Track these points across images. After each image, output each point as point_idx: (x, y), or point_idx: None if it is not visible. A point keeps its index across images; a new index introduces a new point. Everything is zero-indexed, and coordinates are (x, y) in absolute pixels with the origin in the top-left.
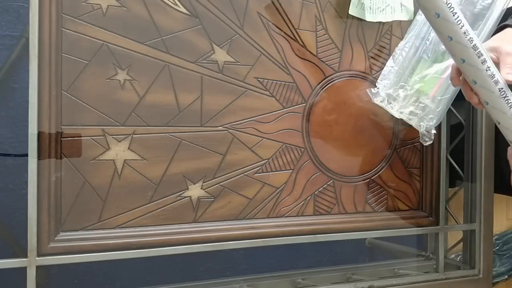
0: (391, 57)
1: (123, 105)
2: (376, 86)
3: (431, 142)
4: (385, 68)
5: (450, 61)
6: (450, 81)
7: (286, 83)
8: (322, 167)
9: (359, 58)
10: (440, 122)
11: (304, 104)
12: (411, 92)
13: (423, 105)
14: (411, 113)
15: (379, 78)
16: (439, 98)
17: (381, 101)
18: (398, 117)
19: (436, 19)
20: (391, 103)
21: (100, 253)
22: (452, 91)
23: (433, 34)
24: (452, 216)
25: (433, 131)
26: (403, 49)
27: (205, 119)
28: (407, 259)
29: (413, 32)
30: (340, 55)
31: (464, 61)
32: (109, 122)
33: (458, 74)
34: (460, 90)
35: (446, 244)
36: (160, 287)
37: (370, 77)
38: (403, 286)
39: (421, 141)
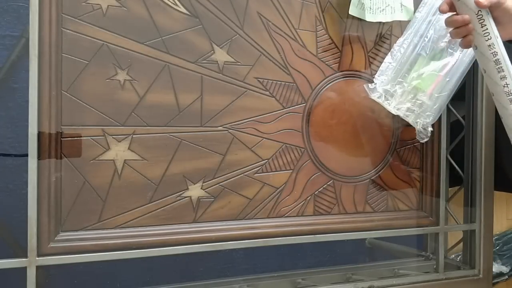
0: (389, 53)
1: (123, 105)
2: (374, 83)
3: (427, 139)
4: (383, 64)
5: (448, 59)
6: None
7: (286, 83)
8: (322, 167)
9: (359, 58)
10: (440, 123)
11: (304, 104)
12: (408, 88)
13: (420, 102)
14: (408, 109)
15: (376, 74)
16: (436, 95)
17: (378, 97)
18: (395, 114)
19: None
20: (388, 99)
21: (100, 253)
22: (449, 89)
23: (431, 32)
24: (452, 216)
25: (430, 129)
26: (401, 46)
27: (205, 119)
28: (407, 259)
29: (412, 29)
30: (340, 55)
31: (485, 71)
32: (109, 122)
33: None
34: (458, 89)
35: (446, 244)
36: (160, 287)
37: (370, 77)
38: (403, 286)
39: (417, 138)
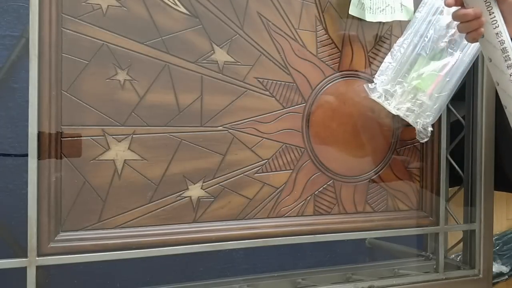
0: (389, 53)
1: (123, 105)
2: (374, 83)
3: (427, 139)
4: (383, 64)
5: (448, 59)
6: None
7: (286, 83)
8: (322, 167)
9: (359, 58)
10: (440, 123)
11: (304, 104)
12: (408, 88)
13: (420, 102)
14: (408, 109)
15: (376, 74)
16: (436, 95)
17: (378, 97)
18: (395, 114)
19: None
20: (388, 99)
21: (100, 253)
22: (449, 89)
23: (431, 32)
24: (452, 216)
25: (430, 128)
26: (401, 46)
27: (205, 119)
28: (407, 259)
29: (412, 29)
30: (340, 55)
31: (491, 60)
32: (109, 122)
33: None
34: (457, 89)
35: (446, 244)
36: (160, 287)
37: (370, 77)
38: (403, 286)
39: (417, 138)
